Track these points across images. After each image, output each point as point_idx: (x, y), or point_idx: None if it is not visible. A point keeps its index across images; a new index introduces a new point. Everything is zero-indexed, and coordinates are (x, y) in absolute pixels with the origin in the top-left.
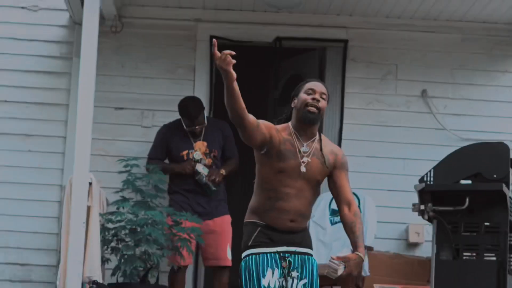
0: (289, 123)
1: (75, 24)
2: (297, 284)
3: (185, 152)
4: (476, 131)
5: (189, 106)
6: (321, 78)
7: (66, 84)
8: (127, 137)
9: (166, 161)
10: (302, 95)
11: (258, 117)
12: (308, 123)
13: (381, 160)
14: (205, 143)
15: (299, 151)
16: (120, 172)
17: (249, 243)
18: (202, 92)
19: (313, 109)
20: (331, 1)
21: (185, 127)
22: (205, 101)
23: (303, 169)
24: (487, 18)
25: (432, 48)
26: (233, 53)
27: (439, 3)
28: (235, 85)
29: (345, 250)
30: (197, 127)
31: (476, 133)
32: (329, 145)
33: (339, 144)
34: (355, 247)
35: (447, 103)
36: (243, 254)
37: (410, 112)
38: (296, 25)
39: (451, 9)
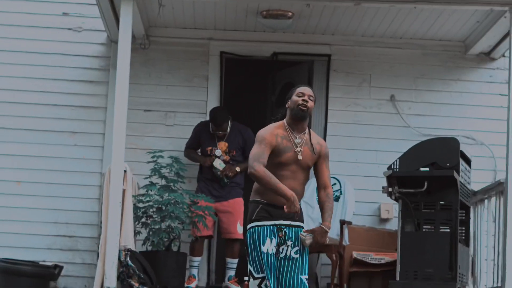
0: (284, 120)
1: (112, 42)
2: (290, 250)
3: (209, 148)
4: (434, 128)
5: (217, 115)
6: (309, 86)
7: (104, 91)
8: (154, 134)
9: (199, 151)
10: (294, 98)
11: (258, 116)
12: (300, 119)
13: (358, 152)
14: (227, 144)
15: (294, 144)
16: (148, 162)
17: (253, 217)
18: (213, 97)
19: (303, 108)
20: (317, 23)
21: (211, 130)
22: (216, 103)
23: (300, 157)
24: (443, 37)
25: (399, 61)
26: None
27: (404, 25)
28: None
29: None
30: (219, 132)
31: (434, 130)
32: (316, 137)
33: (324, 139)
34: (322, 220)
35: (411, 105)
36: (248, 226)
37: (381, 113)
38: (289, 43)
39: (414, 29)
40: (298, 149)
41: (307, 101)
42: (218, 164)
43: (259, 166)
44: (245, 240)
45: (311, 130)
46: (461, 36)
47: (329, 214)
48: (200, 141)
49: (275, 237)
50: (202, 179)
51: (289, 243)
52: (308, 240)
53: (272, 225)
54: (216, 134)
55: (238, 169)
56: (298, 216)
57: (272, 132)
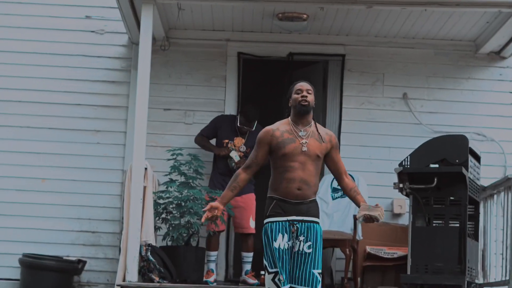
0: (289, 118)
1: (133, 44)
2: (303, 245)
3: (226, 141)
4: (446, 125)
5: (251, 111)
6: (324, 85)
7: (125, 90)
8: (173, 132)
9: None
10: (294, 96)
11: (274, 115)
12: (303, 114)
13: (371, 149)
14: (243, 140)
15: (298, 136)
16: (168, 159)
17: (267, 213)
18: (231, 96)
19: (304, 103)
20: (332, 24)
21: (238, 123)
22: (233, 102)
23: (304, 148)
24: (454, 37)
25: (411, 60)
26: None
27: (416, 25)
28: (229, 199)
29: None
30: (245, 128)
31: (446, 127)
32: (323, 129)
33: (339, 136)
34: (360, 202)
35: (423, 103)
36: (264, 222)
37: (394, 110)
38: (304, 43)
39: (426, 30)
40: (304, 141)
41: (306, 96)
42: (235, 156)
43: (241, 170)
44: (261, 235)
45: (317, 123)
46: (471, 36)
47: (358, 191)
48: (218, 132)
49: (287, 233)
50: (216, 173)
51: (301, 238)
52: (380, 216)
53: (285, 221)
54: (241, 129)
55: None
56: (310, 211)
57: (268, 131)
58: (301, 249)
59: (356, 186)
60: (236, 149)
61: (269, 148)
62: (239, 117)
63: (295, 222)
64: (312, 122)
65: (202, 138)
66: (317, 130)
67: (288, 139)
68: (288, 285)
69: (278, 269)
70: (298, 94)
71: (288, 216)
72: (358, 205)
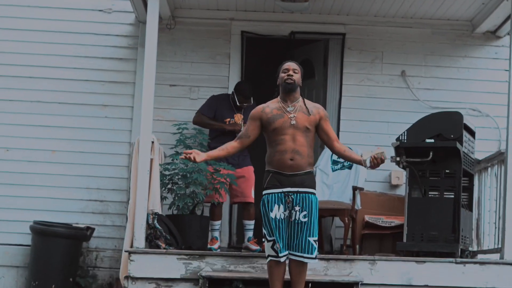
0: (278, 97)
1: (139, 22)
2: (299, 215)
3: (228, 119)
4: (442, 101)
5: (246, 88)
6: (324, 63)
7: (132, 67)
8: (179, 107)
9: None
10: (281, 74)
11: (275, 90)
12: (289, 91)
13: (370, 123)
14: (242, 116)
15: (286, 111)
16: (174, 133)
17: (264, 186)
18: (235, 73)
19: (290, 81)
20: (332, 4)
21: (237, 102)
22: (237, 79)
23: (293, 121)
24: (451, 17)
25: (409, 39)
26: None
27: (414, 6)
28: (213, 156)
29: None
30: (245, 104)
31: (442, 103)
32: (311, 103)
33: (339, 112)
34: (357, 158)
35: (421, 80)
36: (262, 193)
37: (392, 87)
38: (306, 22)
39: (424, 10)
40: (292, 115)
41: (292, 75)
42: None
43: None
44: (260, 205)
45: (305, 99)
46: (468, 16)
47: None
48: (217, 112)
49: (283, 204)
50: (215, 147)
51: (297, 208)
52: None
53: (280, 192)
54: (241, 106)
55: None
56: (305, 183)
57: (259, 108)
58: (297, 218)
59: (348, 148)
60: (240, 124)
61: (260, 124)
62: (237, 97)
63: (290, 193)
64: (300, 98)
65: (203, 117)
66: (305, 105)
67: (277, 115)
68: (285, 252)
69: (275, 237)
70: (284, 73)
71: (284, 188)
72: (357, 159)
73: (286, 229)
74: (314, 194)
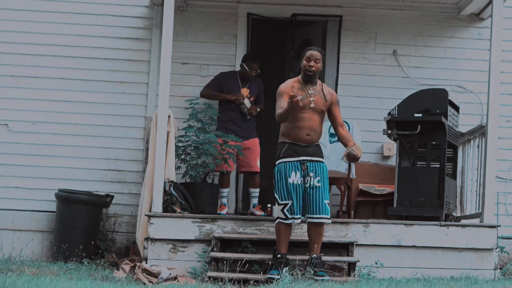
0: (300, 76)
1: (154, 5)
2: (313, 180)
3: (247, 99)
4: (430, 78)
5: (254, 56)
6: (323, 43)
7: (148, 46)
8: (190, 83)
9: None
10: (303, 62)
11: (279, 68)
12: (309, 79)
13: (364, 99)
14: (248, 90)
15: (308, 94)
16: (187, 108)
17: (280, 155)
18: (241, 52)
19: (310, 72)
20: None
21: (247, 68)
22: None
23: (312, 104)
24: (439, 0)
25: (400, 21)
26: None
27: None
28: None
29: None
30: (253, 73)
31: (431, 80)
32: (327, 88)
33: (336, 88)
34: (348, 142)
35: (411, 59)
36: (277, 162)
37: (385, 65)
38: (306, 5)
39: None
40: (312, 98)
41: (312, 66)
42: (247, 103)
43: (277, 112)
44: (273, 173)
45: (322, 83)
46: (454, 0)
47: (350, 138)
48: (224, 86)
49: (299, 170)
50: (225, 120)
51: (311, 174)
52: (354, 151)
53: (296, 161)
54: (250, 74)
55: (258, 109)
56: (316, 153)
57: (288, 85)
58: (312, 183)
59: (350, 135)
60: (246, 98)
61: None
62: (246, 64)
63: (305, 161)
64: (318, 82)
65: (209, 90)
66: (322, 90)
67: (302, 96)
68: (297, 216)
69: (292, 201)
70: (307, 62)
71: (299, 157)
72: (346, 148)
73: (302, 194)
74: (324, 162)
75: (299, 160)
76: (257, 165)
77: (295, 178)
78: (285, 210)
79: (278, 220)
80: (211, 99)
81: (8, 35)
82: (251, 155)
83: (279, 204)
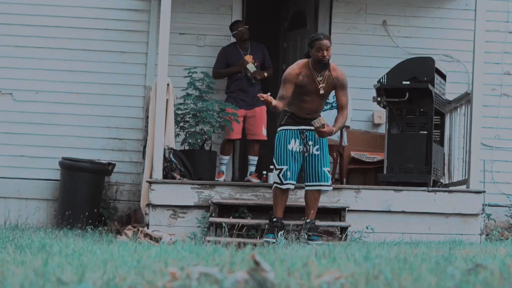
0: (309, 60)
1: None
2: (312, 148)
3: (240, 61)
4: (419, 48)
5: (238, 21)
6: (315, 14)
7: (146, 17)
8: (188, 53)
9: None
10: (315, 52)
11: (273, 39)
12: (324, 67)
13: (356, 68)
14: (251, 56)
15: (317, 81)
16: (185, 76)
17: (282, 123)
18: None
19: (325, 61)
20: None
21: (236, 31)
22: None
23: (322, 91)
24: None
25: None
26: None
27: None
28: (276, 107)
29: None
30: (245, 33)
31: (419, 49)
32: (335, 71)
33: None
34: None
35: (400, 29)
36: (278, 129)
37: (375, 35)
38: None
39: None
40: (321, 85)
41: (325, 55)
42: (251, 67)
43: (276, 101)
44: (274, 140)
45: (331, 66)
46: None
47: (338, 125)
48: (227, 60)
49: (298, 138)
50: (233, 91)
51: (310, 143)
52: (319, 123)
53: (296, 129)
54: (244, 34)
55: (265, 74)
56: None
57: (294, 73)
58: (311, 152)
59: (341, 121)
60: (251, 62)
61: (294, 85)
62: (233, 30)
63: (304, 130)
64: (328, 67)
65: (217, 71)
66: (331, 74)
67: (309, 82)
68: (292, 181)
69: (288, 166)
70: (319, 52)
71: (299, 126)
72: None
73: (299, 162)
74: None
75: (299, 129)
76: (262, 133)
77: (294, 145)
78: (280, 175)
79: (275, 184)
80: (223, 77)
81: (11, 7)
82: (257, 123)
83: (275, 169)
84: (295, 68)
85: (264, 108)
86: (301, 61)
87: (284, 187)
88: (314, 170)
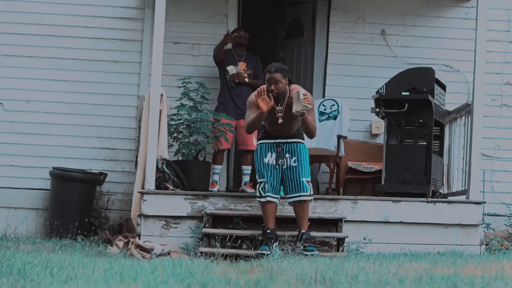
0: None
1: None
2: (289, 161)
3: (232, 66)
4: (418, 57)
5: (237, 27)
6: (312, 23)
7: (140, 26)
8: (182, 63)
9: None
10: (266, 83)
11: (269, 47)
12: (279, 98)
13: (353, 78)
14: (245, 63)
15: (276, 110)
16: (179, 86)
17: (259, 138)
18: None
19: (274, 94)
20: None
21: (236, 34)
22: None
23: (280, 121)
24: None
25: (389, 1)
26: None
27: None
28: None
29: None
30: (242, 37)
31: (418, 59)
32: (297, 95)
33: (325, 67)
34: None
35: (399, 38)
36: (256, 144)
37: (373, 45)
38: None
39: None
40: (279, 114)
41: (274, 89)
42: (230, 70)
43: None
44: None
45: (294, 91)
46: None
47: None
48: (224, 57)
49: (274, 152)
50: (224, 98)
51: (287, 155)
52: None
53: (272, 142)
54: (242, 40)
55: (247, 80)
56: (295, 136)
57: (254, 100)
58: (288, 164)
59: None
60: (242, 72)
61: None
62: (236, 34)
63: (280, 144)
64: (288, 94)
65: (215, 48)
66: (292, 100)
67: (269, 112)
68: (272, 194)
69: (266, 179)
70: (268, 85)
71: (275, 139)
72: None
73: (277, 175)
74: (302, 143)
75: (275, 142)
76: (252, 143)
77: (270, 158)
78: (259, 188)
79: (256, 198)
80: (218, 53)
81: (0, 15)
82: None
83: (257, 183)
84: (255, 96)
85: None
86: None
87: (263, 199)
88: (293, 182)
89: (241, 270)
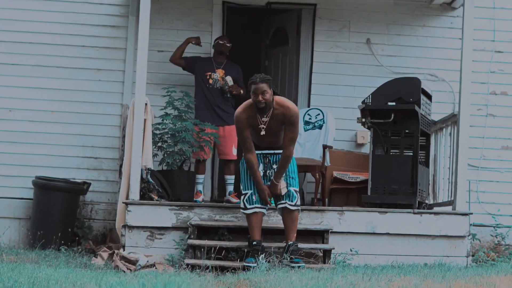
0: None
1: None
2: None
3: (209, 73)
4: (403, 67)
5: (225, 37)
6: (297, 31)
7: (124, 34)
8: (166, 71)
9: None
10: (252, 95)
11: (254, 56)
12: (262, 111)
13: (338, 87)
14: (223, 71)
15: (260, 121)
16: (164, 95)
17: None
18: None
19: (261, 105)
20: None
21: (219, 41)
22: None
23: (263, 132)
24: None
25: (374, 10)
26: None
27: None
28: (260, 178)
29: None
30: (226, 46)
31: (403, 68)
32: (282, 107)
33: (310, 76)
34: (274, 177)
35: (384, 47)
36: (243, 154)
37: (358, 54)
38: None
39: None
40: (261, 126)
41: (260, 100)
42: (229, 80)
43: (247, 155)
44: (239, 165)
45: (279, 102)
46: None
47: (280, 173)
48: (196, 65)
49: (262, 163)
50: (201, 106)
51: (274, 166)
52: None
53: (259, 153)
54: (222, 48)
55: (242, 91)
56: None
57: (243, 118)
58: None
59: (284, 163)
60: (219, 78)
61: (249, 126)
62: (217, 41)
63: (268, 155)
64: (273, 106)
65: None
66: (278, 111)
67: (254, 125)
68: (258, 205)
69: (252, 190)
70: (254, 96)
71: (262, 150)
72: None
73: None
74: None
75: (262, 153)
76: (232, 153)
77: (258, 169)
78: (244, 200)
79: (241, 210)
80: (176, 55)
81: None
82: (227, 143)
83: (242, 194)
84: (242, 112)
85: (233, 127)
86: (247, 102)
87: (247, 211)
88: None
89: (228, 285)
